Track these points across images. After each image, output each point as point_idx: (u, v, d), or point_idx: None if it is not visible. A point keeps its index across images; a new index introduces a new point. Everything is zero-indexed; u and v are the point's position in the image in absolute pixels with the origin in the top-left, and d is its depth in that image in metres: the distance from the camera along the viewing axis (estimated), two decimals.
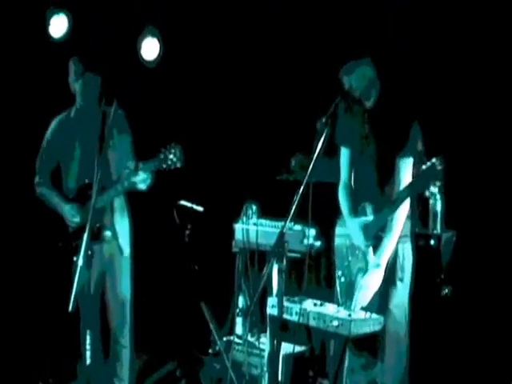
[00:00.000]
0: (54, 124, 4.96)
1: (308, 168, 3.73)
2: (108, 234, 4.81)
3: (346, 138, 4.30)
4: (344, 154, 4.35)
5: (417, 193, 4.05)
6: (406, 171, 4.03)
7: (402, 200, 3.97)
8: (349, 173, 4.34)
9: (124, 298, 4.91)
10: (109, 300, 4.89)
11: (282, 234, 3.65)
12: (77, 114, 4.89)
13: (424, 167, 3.77)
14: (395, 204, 3.98)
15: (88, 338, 3.55)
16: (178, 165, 4.51)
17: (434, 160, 3.75)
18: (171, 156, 4.49)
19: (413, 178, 3.99)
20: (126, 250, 4.92)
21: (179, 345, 5.80)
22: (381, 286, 4.01)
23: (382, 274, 3.98)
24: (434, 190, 4.84)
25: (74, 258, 3.82)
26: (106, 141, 4.49)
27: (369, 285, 4.00)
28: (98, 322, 4.82)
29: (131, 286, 4.95)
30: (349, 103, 4.22)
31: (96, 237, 4.63)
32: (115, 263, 4.88)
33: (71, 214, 4.74)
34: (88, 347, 3.55)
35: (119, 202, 4.90)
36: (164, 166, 4.51)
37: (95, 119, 4.76)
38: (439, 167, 3.73)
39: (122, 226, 4.91)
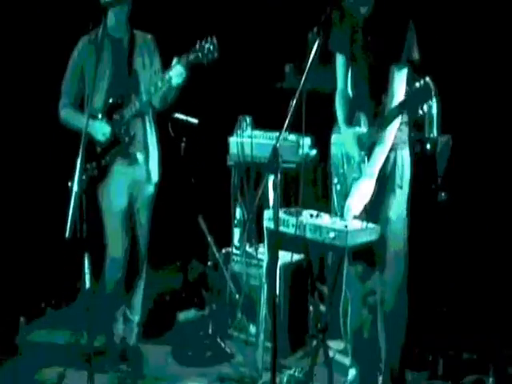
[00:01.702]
0: (81, 43, 4.71)
1: (302, 75, 3.66)
2: (140, 157, 4.70)
3: (340, 45, 4.20)
4: (340, 61, 4.26)
5: (409, 111, 3.95)
6: (400, 81, 3.93)
7: (393, 118, 3.91)
8: (345, 80, 4.26)
9: (146, 228, 4.82)
10: (133, 229, 4.80)
11: (275, 149, 3.59)
12: (107, 32, 4.58)
13: (417, 85, 3.69)
14: (385, 122, 3.93)
15: (86, 261, 3.55)
16: (216, 55, 4.37)
17: (427, 79, 3.67)
18: (207, 45, 4.36)
19: (405, 95, 3.90)
20: (155, 176, 4.80)
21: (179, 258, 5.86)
22: (380, 194, 4.01)
23: (374, 183, 3.95)
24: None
25: (69, 184, 3.75)
26: (136, 61, 4.45)
27: (359, 193, 3.96)
28: None
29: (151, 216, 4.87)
30: (344, 10, 4.10)
31: (125, 153, 4.63)
32: (144, 191, 4.77)
33: (101, 129, 4.57)
34: (87, 271, 3.56)
35: (150, 125, 4.78)
36: (200, 55, 4.38)
37: (125, 38, 4.64)
38: (432, 87, 3.66)
39: (153, 148, 4.78)
